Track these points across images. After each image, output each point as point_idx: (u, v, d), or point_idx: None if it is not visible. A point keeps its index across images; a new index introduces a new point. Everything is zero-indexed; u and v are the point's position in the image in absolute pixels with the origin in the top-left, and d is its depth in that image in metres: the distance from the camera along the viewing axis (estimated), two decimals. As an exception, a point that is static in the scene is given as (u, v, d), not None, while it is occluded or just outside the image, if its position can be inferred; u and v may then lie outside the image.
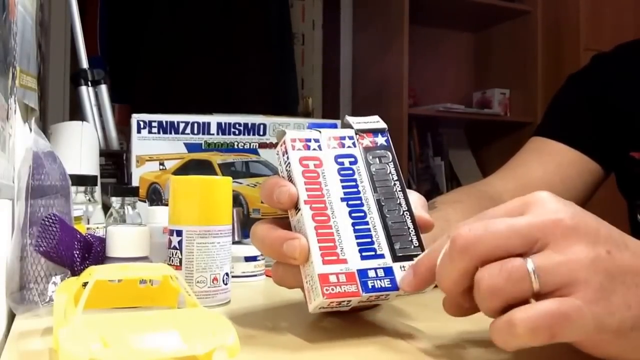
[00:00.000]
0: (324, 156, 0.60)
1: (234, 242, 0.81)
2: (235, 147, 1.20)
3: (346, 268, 0.55)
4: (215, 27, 2.90)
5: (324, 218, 0.57)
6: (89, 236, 0.72)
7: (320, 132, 0.62)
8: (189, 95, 2.73)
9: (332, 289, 0.54)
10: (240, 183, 1.20)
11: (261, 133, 1.22)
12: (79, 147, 1.06)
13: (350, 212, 0.58)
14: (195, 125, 1.17)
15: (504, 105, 3.25)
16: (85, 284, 0.49)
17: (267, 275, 0.92)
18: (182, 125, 1.16)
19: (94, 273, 0.50)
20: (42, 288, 0.67)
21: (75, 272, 0.68)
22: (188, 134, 1.17)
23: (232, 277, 0.75)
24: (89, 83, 1.65)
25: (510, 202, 0.51)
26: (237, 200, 1.19)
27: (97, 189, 1.02)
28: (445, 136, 3.38)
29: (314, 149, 0.61)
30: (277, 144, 0.62)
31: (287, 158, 0.60)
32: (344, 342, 0.56)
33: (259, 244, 0.59)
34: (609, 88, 1.07)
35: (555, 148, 1.07)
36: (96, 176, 1.00)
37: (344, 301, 0.55)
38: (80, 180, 0.89)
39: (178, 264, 0.70)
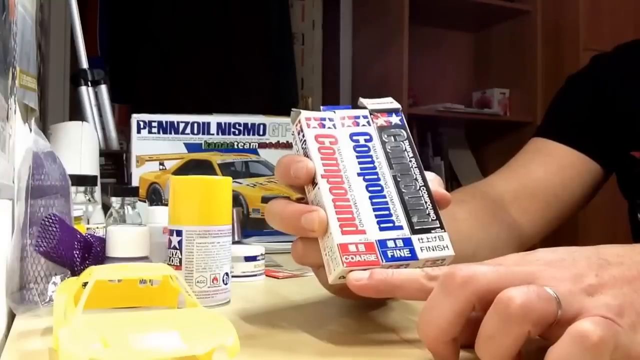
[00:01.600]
0: (338, 134, 0.61)
1: (233, 242, 0.81)
2: (235, 147, 1.20)
3: (365, 238, 0.55)
4: (215, 27, 2.90)
5: (341, 191, 0.57)
6: (88, 236, 0.72)
7: (335, 112, 0.63)
8: (189, 95, 2.73)
9: (352, 258, 0.54)
10: (240, 183, 1.20)
11: (261, 133, 1.22)
12: (79, 147, 1.06)
13: (367, 187, 0.58)
14: (195, 125, 1.18)
15: (503, 105, 3.25)
16: (85, 284, 0.49)
17: (267, 275, 0.92)
18: (182, 125, 1.17)
19: (94, 273, 0.50)
20: (42, 288, 0.67)
21: (75, 272, 0.69)
22: (188, 134, 1.17)
23: (232, 277, 0.74)
24: (89, 83, 1.65)
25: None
26: (237, 200, 1.20)
27: (97, 189, 1.02)
28: (445, 136, 3.38)
29: (329, 127, 0.62)
30: (292, 125, 0.63)
31: (303, 136, 0.60)
32: (344, 341, 0.56)
33: (276, 220, 0.59)
34: (609, 88, 1.07)
35: (556, 149, 1.07)
36: (96, 176, 1.00)
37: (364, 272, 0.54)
38: (80, 180, 0.89)
39: (178, 264, 0.70)
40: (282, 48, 3.12)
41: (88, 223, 0.88)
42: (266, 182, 1.24)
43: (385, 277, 0.51)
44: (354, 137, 0.61)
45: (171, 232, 0.71)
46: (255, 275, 0.90)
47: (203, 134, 1.18)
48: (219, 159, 1.19)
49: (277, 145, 1.24)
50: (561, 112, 1.14)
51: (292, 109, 0.63)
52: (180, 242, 0.70)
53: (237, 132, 1.20)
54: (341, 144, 0.60)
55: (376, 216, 0.57)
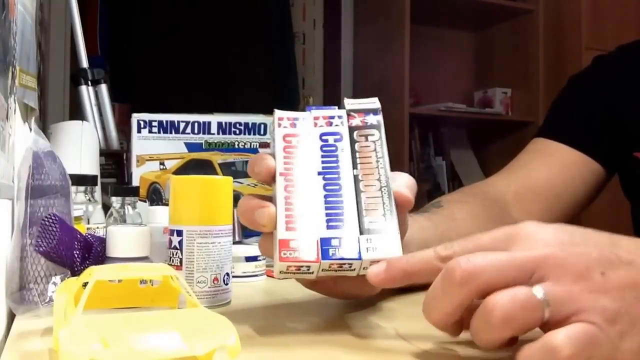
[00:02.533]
0: (308, 133, 0.62)
1: (234, 242, 0.81)
2: (236, 146, 1.20)
3: (309, 234, 0.56)
4: (216, 27, 2.90)
5: (296, 189, 0.59)
6: (89, 236, 0.72)
7: (310, 112, 0.64)
8: (189, 94, 2.74)
9: (290, 254, 0.55)
10: (241, 183, 1.20)
11: (262, 133, 1.22)
12: (79, 146, 1.06)
13: (325, 185, 0.59)
14: (196, 124, 1.17)
15: (505, 104, 3.25)
16: (85, 284, 0.49)
17: (267, 275, 0.92)
18: (182, 125, 1.16)
19: (94, 273, 0.50)
20: (42, 288, 0.67)
21: (75, 272, 0.68)
22: (188, 133, 1.17)
23: (233, 277, 0.74)
24: (89, 82, 1.65)
25: (496, 231, 0.51)
26: (238, 199, 1.19)
27: (97, 188, 1.02)
28: (446, 135, 3.38)
29: (300, 127, 0.63)
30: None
31: (274, 135, 0.62)
32: (344, 341, 0.56)
33: (238, 213, 0.61)
34: (611, 89, 1.07)
35: (558, 149, 1.07)
36: (96, 176, 1.00)
37: (302, 266, 0.55)
38: (80, 180, 0.89)
39: (178, 264, 0.70)
40: (283, 47, 3.12)
41: (88, 223, 0.88)
42: (267, 181, 1.24)
43: (402, 267, 0.52)
44: (324, 137, 0.63)
45: (172, 232, 0.71)
46: (256, 275, 0.90)
47: (204, 133, 1.18)
48: (220, 159, 1.19)
49: (278, 144, 1.24)
50: (563, 113, 1.14)
51: (275, 110, 0.65)
52: (180, 242, 0.70)
53: (237, 131, 1.20)
54: (308, 143, 0.62)
55: (327, 214, 0.58)
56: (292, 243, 0.55)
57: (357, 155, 0.61)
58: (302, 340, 0.57)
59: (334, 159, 0.61)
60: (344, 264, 0.56)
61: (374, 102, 0.66)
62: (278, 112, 0.64)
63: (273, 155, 0.61)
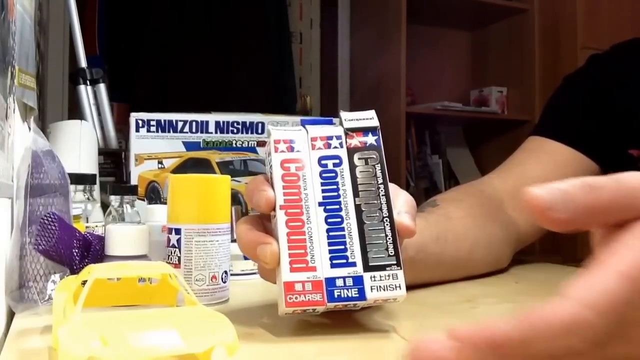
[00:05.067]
0: (307, 158, 0.60)
1: (232, 241, 0.81)
2: (234, 145, 1.20)
3: (314, 276, 0.55)
4: (213, 26, 2.90)
5: (298, 224, 0.57)
6: (87, 235, 0.72)
7: (307, 131, 0.61)
8: (188, 94, 2.73)
9: (296, 298, 0.54)
10: (239, 181, 1.20)
11: (259, 131, 1.22)
12: (78, 145, 1.06)
13: (326, 218, 0.58)
14: (194, 123, 1.17)
15: (501, 103, 3.25)
16: (84, 283, 0.49)
17: (265, 274, 0.92)
18: (180, 124, 1.17)
19: (93, 271, 0.51)
20: (42, 286, 0.67)
21: (74, 271, 0.69)
22: (186, 132, 1.17)
23: (231, 275, 0.75)
24: (88, 82, 1.65)
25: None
26: (236, 198, 1.20)
27: (96, 187, 1.02)
28: (443, 134, 3.38)
29: (298, 151, 0.60)
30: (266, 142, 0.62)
31: (270, 160, 0.60)
32: (343, 339, 0.56)
33: (238, 243, 0.61)
34: (606, 87, 1.07)
35: (553, 147, 1.07)
36: (95, 175, 1.00)
37: (308, 309, 0.55)
38: (79, 178, 0.89)
39: (177, 262, 0.70)
40: (280, 47, 3.12)
41: (87, 221, 0.88)
42: (264, 180, 1.24)
43: None
44: (323, 162, 0.60)
45: (170, 231, 0.71)
46: (254, 273, 0.90)
47: (201, 132, 1.18)
48: (218, 158, 1.19)
49: (276, 143, 1.24)
50: (558, 111, 1.14)
51: (268, 127, 0.62)
52: (179, 241, 0.70)
53: (235, 130, 1.20)
54: (307, 170, 0.59)
55: (330, 251, 0.56)
56: (298, 286, 0.55)
57: (358, 181, 0.59)
58: (301, 338, 0.57)
59: (334, 187, 0.59)
60: (349, 304, 0.56)
61: (372, 118, 0.63)
62: (274, 134, 0.61)
63: (269, 179, 0.60)
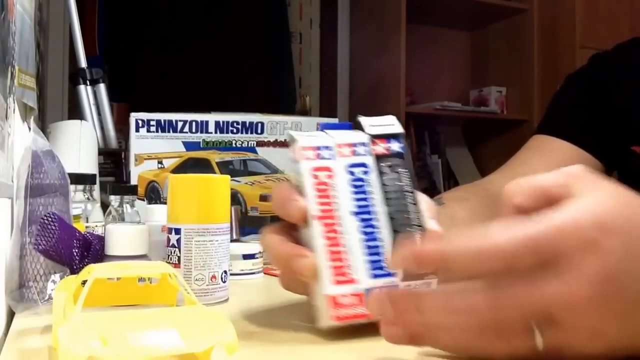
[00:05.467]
0: (335, 166, 0.58)
1: (232, 240, 0.81)
2: (233, 145, 1.20)
3: (355, 288, 0.54)
4: (213, 26, 2.90)
5: (334, 235, 0.55)
6: (87, 234, 0.72)
7: (332, 137, 0.60)
8: (187, 94, 2.74)
9: (341, 311, 0.53)
10: (239, 181, 1.20)
11: (259, 131, 1.22)
12: (78, 145, 1.06)
13: (361, 227, 0.56)
14: (194, 123, 1.18)
15: (500, 103, 3.26)
16: (84, 282, 0.49)
17: (265, 273, 0.92)
18: (180, 124, 1.17)
19: (93, 271, 0.51)
20: (42, 286, 0.67)
21: (74, 271, 0.69)
22: (186, 132, 1.17)
23: (231, 275, 0.75)
24: (88, 82, 1.65)
25: (545, 242, 0.40)
26: (235, 198, 1.20)
27: (96, 187, 1.02)
28: (442, 134, 3.38)
29: (326, 158, 0.58)
30: (289, 146, 0.60)
31: (299, 168, 0.57)
32: (343, 338, 0.56)
33: (269, 256, 0.59)
34: (608, 85, 1.08)
35: (557, 145, 1.08)
36: (95, 175, 1.00)
37: (354, 322, 0.54)
38: (79, 178, 0.89)
39: (176, 262, 0.70)
40: (280, 46, 3.13)
41: (87, 221, 0.88)
42: (264, 180, 1.24)
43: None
44: (350, 169, 0.58)
45: (170, 230, 0.71)
46: (253, 273, 0.90)
47: (201, 132, 1.18)
48: (217, 158, 1.20)
49: (275, 143, 1.25)
50: (561, 109, 1.14)
51: (289, 132, 0.59)
52: (178, 240, 0.70)
53: (235, 130, 1.20)
54: (337, 178, 0.57)
55: (368, 262, 0.55)
56: (341, 299, 0.54)
57: (387, 189, 0.58)
58: (300, 337, 0.57)
59: (365, 195, 0.57)
60: None
61: (394, 125, 0.61)
62: (301, 140, 0.58)
63: (298, 188, 0.57)
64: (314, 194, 0.56)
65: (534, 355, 0.41)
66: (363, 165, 0.59)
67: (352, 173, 0.58)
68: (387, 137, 0.61)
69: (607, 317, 0.39)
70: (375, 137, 0.60)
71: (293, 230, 0.58)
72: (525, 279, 0.41)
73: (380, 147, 0.60)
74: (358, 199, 0.57)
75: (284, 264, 0.56)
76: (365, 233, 0.56)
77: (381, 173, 0.59)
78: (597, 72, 1.11)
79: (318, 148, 0.58)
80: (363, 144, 0.60)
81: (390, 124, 0.62)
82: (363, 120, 0.61)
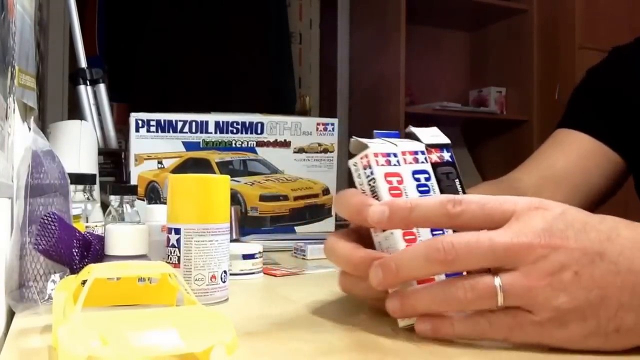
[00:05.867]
0: (403, 172, 0.60)
1: (232, 240, 0.81)
2: (233, 145, 1.20)
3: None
4: (213, 26, 2.90)
5: (412, 237, 0.57)
6: (87, 234, 0.72)
7: (396, 145, 0.61)
8: (187, 94, 2.74)
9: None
10: (238, 181, 1.20)
11: (259, 132, 1.22)
12: (78, 145, 1.06)
13: (431, 231, 0.58)
14: (194, 124, 1.18)
15: (500, 103, 3.26)
16: (84, 282, 0.50)
17: (265, 273, 0.93)
18: (180, 124, 1.17)
19: (93, 271, 0.51)
20: (41, 286, 0.67)
21: (74, 270, 0.69)
22: (186, 132, 1.17)
23: (230, 275, 0.75)
24: (88, 82, 1.65)
25: (500, 204, 0.53)
26: (235, 198, 1.20)
27: (96, 187, 1.02)
28: (442, 134, 3.38)
29: (394, 165, 0.60)
30: (351, 155, 0.61)
31: (372, 173, 0.59)
32: (342, 338, 0.56)
33: (342, 262, 0.59)
34: (627, 80, 1.08)
35: (577, 139, 1.08)
36: (95, 175, 1.00)
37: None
38: (79, 178, 0.90)
39: (176, 262, 0.70)
40: (280, 47, 3.13)
41: (87, 221, 0.88)
42: (264, 180, 1.25)
43: (405, 215, 0.54)
44: (416, 176, 0.60)
45: (169, 230, 0.71)
46: (253, 273, 0.91)
47: (201, 132, 1.18)
48: (217, 158, 1.20)
49: (275, 143, 1.25)
50: (581, 103, 1.14)
51: (356, 139, 0.61)
52: (178, 240, 0.70)
53: (235, 130, 1.21)
54: (406, 184, 0.59)
55: None
56: None
57: (444, 194, 0.59)
58: (299, 337, 0.57)
59: None
60: None
61: (440, 135, 0.64)
62: (372, 147, 0.59)
63: (369, 194, 0.58)
64: (390, 198, 0.58)
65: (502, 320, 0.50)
66: (425, 172, 0.61)
67: (417, 179, 0.60)
68: (440, 147, 0.63)
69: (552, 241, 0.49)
70: (430, 146, 0.63)
71: (357, 235, 0.60)
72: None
73: (434, 156, 0.62)
74: None
75: (362, 270, 0.56)
76: (436, 235, 0.57)
77: (438, 180, 0.61)
78: (617, 66, 1.11)
79: (388, 155, 0.60)
80: (422, 153, 0.62)
81: (438, 134, 0.64)
82: (416, 130, 0.64)
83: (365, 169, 0.59)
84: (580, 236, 0.49)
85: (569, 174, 1.06)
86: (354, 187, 0.60)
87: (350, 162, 0.60)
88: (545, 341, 0.49)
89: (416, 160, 0.61)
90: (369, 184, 0.59)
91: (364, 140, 0.60)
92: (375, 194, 0.58)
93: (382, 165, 0.59)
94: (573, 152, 1.07)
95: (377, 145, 0.60)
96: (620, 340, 0.49)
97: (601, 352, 0.49)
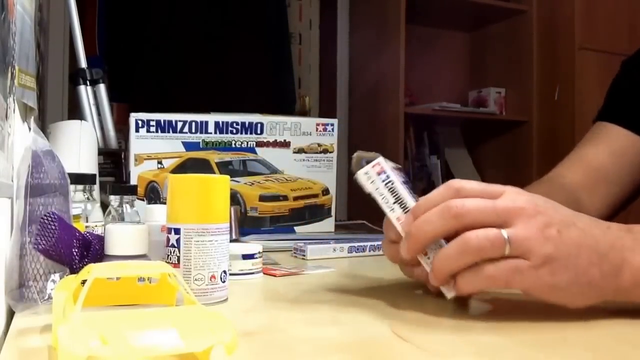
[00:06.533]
0: (397, 179, 0.69)
1: (231, 240, 0.81)
2: (233, 145, 1.21)
3: None
4: (213, 27, 2.90)
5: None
6: (87, 234, 0.72)
7: (380, 156, 0.69)
8: (187, 94, 2.74)
9: None
10: (238, 181, 1.20)
11: (258, 132, 1.22)
12: (78, 145, 1.06)
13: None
14: (193, 124, 1.18)
15: (499, 104, 3.26)
16: (84, 282, 0.50)
17: (264, 273, 0.93)
18: (180, 124, 1.17)
19: (93, 271, 0.51)
20: (41, 286, 0.67)
21: (74, 270, 0.69)
22: (186, 132, 1.17)
23: (230, 275, 0.75)
24: (88, 82, 1.65)
25: (497, 186, 0.64)
26: (235, 198, 1.20)
27: (96, 187, 1.02)
28: (441, 135, 3.39)
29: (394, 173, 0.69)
30: (354, 170, 0.69)
31: (387, 177, 0.68)
32: (341, 338, 0.57)
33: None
34: None
35: (614, 132, 1.09)
36: (95, 175, 1.00)
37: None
38: (79, 178, 0.90)
39: (176, 262, 0.70)
40: (280, 47, 3.13)
41: (87, 221, 0.88)
42: (264, 180, 1.25)
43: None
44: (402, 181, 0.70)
45: (169, 230, 0.71)
46: (252, 273, 0.91)
47: (201, 132, 1.18)
48: (217, 158, 1.20)
49: (275, 144, 1.25)
50: (617, 95, 1.15)
51: (360, 153, 0.69)
52: (178, 240, 0.70)
53: (234, 131, 1.21)
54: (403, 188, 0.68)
55: None
56: None
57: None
58: (299, 337, 0.57)
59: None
60: None
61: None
62: (381, 156, 0.69)
63: (391, 196, 0.67)
64: (411, 199, 0.67)
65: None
66: (407, 181, 0.71)
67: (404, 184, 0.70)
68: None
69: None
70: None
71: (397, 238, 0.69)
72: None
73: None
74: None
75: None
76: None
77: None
78: None
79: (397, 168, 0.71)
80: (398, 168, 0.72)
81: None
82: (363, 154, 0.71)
83: (379, 174, 0.68)
84: (558, 209, 0.63)
85: (605, 167, 1.08)
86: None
87: (360, 172, 0.68)
88: (537, 284, 0.59)
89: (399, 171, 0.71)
90: (387, 187, 0.68)
91: (369, 154, 0.69)
92: (395, 194, 0.67)
93: (392, 170, 0.69)
94: (609, 147, 1.09)
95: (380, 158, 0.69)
96: (592, 293, 0.60)
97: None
